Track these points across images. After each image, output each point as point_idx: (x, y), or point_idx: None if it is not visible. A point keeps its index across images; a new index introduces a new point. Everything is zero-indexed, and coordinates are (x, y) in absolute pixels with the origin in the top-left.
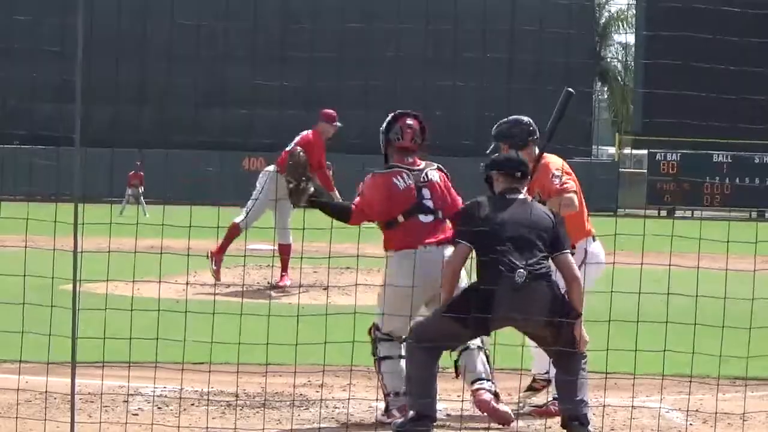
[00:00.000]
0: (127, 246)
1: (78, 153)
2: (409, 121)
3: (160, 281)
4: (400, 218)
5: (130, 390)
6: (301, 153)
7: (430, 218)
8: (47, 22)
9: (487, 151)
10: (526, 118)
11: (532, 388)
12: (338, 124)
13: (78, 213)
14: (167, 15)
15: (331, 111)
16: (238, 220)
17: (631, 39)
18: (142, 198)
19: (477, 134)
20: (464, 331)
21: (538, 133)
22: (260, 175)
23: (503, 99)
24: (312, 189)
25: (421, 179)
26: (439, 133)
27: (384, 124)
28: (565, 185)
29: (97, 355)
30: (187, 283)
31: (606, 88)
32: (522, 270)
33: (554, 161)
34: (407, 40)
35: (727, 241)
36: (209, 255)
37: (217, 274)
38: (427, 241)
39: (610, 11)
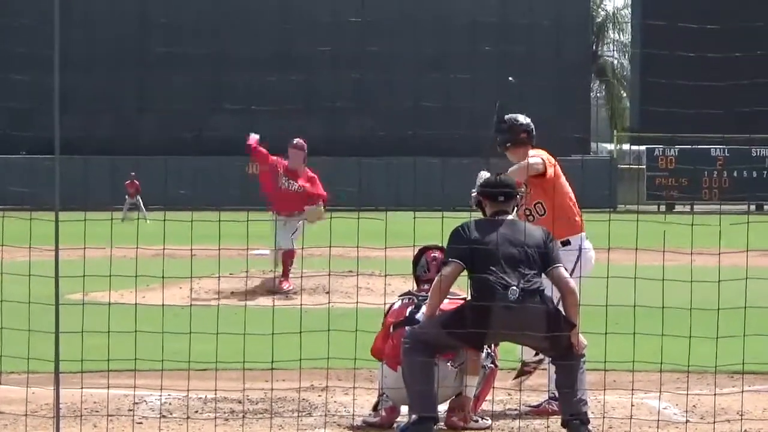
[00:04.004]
0: (131, 254)
1: (57, 161)
2: (434, 254)
3: (162, 288)
4: (391, 329)
5: (135, 398)
6: None
7: None
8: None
9: (495, 133)
10: (515, 118)
11: (524, 372)
12: (297, 149)
13: (58, 223)
14: (165, 21)
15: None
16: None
17: (626, 37)
18: (141, 205)
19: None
20: (458, 343)
21: (532, 133)
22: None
23: (498, 93)
24: None
25: (425, 302)
26: (433, 127)
27: (412, 262)
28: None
29: (103, 364)
30: (191, 290)
31: (604, 87)
32: (515, 287)
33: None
34: (401, 37)
35: (719, 237)
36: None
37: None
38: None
39: (606, 11)
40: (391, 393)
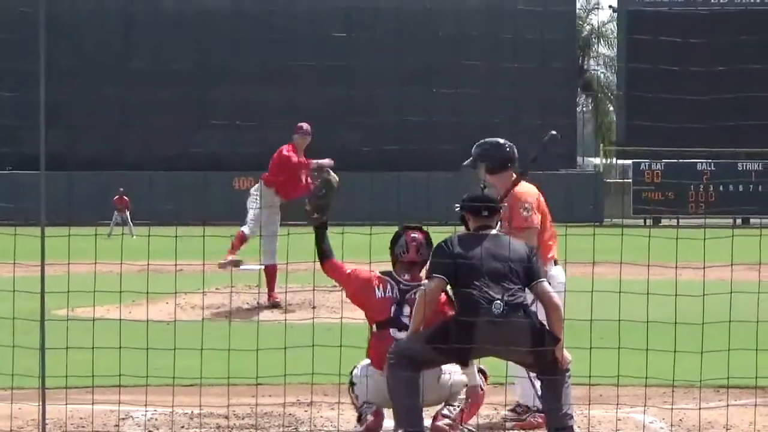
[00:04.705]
0: (117, 269)
1: (42, 176)
2: (414, 235)
3: (147, 303)
4: (374, 327)
5: (121, 414)
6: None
7: (402, 335)
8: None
9: (464, 163)
10: (506, 143)
11: (516, 412)
12: (304, 131)
13: (44, 238)
14: (151, 35)
15: (301, 123)
16: (245, 229)
17: (612, 51)
18: (129, 220)
19: (454, 143)
20: (442, 358)
21: (516, 159)
22: (252, 192)
23: (482, 109)
24: (325, 218)
25: (407, 296)
26: (415, 143)
27: (391, 240)
28: (529, 220)
29: (88, 380)
30: (176, 305)
31: (591, 100)
32: (499, 302)
33: (526, 192)
34: (385, 51)
35: (704, 250)
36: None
37: (230, 263)
38: None
39: (591, 24)
40: (375, 395)
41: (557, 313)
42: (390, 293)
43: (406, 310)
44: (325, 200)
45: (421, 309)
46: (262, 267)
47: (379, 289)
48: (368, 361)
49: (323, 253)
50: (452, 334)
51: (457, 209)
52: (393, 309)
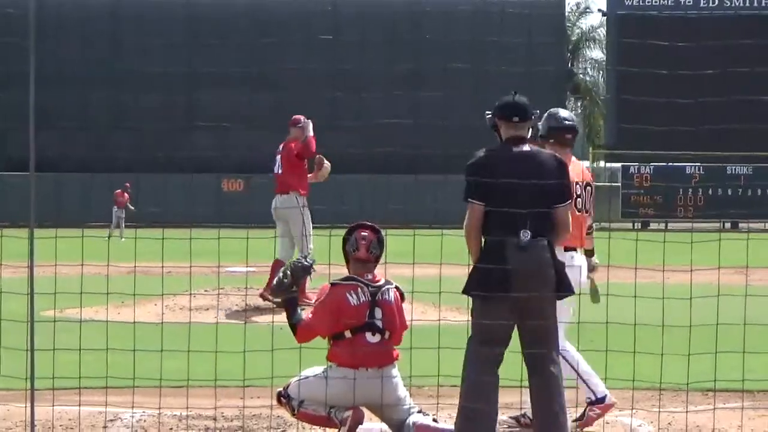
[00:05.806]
0: (105, 270)
1: (32, 178)
2: (364, 233)
3: (134, 305)
4: (347, 333)
5: (109, 415)
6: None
7: (377, 338)
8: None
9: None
10: (563, 117)
11: (518, 422)
12: (302, 124)
13: (33, 240)
14: (138, 40)
15: (297, 116)
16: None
17: (601, 54)
18: (122, 222)
19: (443, 146)
20: (496, 306)
21: (569, 134)
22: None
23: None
24: (294, 295)
25: (377, 298)
26: (404, 146)
27: (343, 238)
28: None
29: (76, 382)
30: (163, 306)
31: (580, 103)
32: (527, 230)
33: (573, 170)
34: (373, 55)
35: (691, 254)
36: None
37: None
38: (368, 364)
39: (581, 28)
40: (340, 396)
41: (565, 231)
42: (363, 297)
43: (378, 313)
44: (306, 273)
45: (470, 239)
46: (248, 270)
47: (351, 296)
48: (315, 370)
49: (298, 322)
50: (488, 269)
51: (488, 116)
52: (367, 313)
